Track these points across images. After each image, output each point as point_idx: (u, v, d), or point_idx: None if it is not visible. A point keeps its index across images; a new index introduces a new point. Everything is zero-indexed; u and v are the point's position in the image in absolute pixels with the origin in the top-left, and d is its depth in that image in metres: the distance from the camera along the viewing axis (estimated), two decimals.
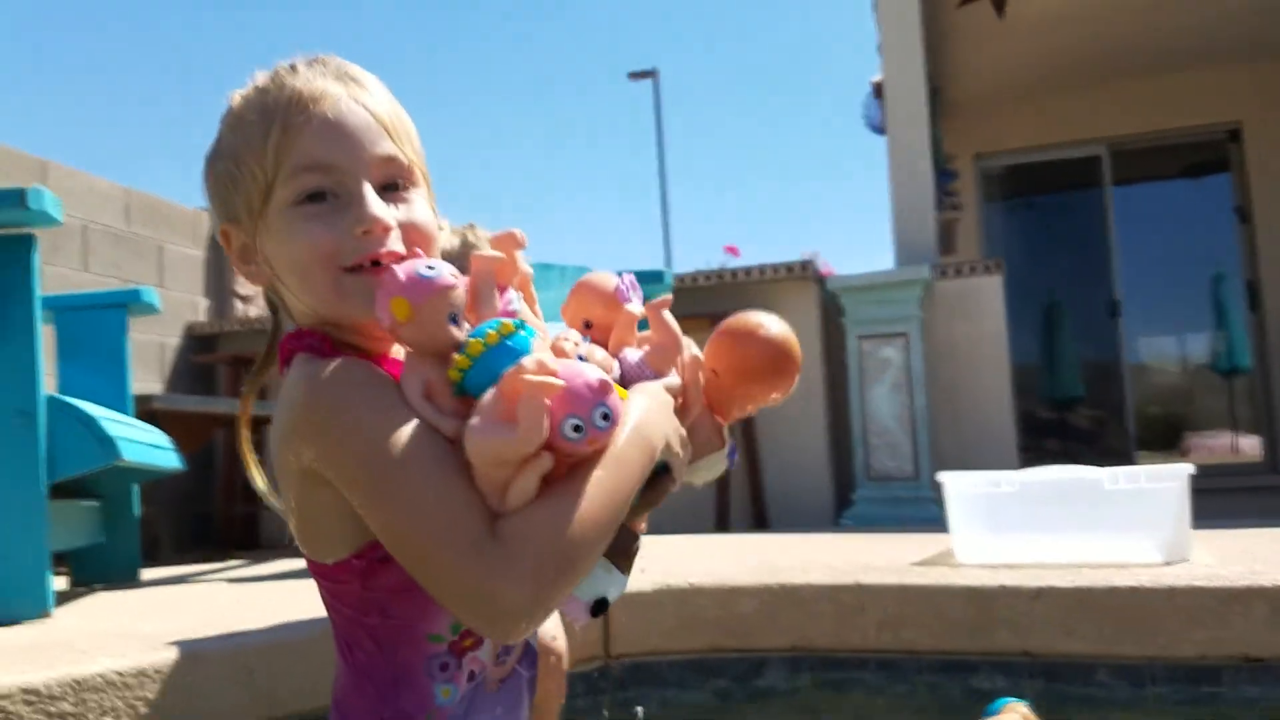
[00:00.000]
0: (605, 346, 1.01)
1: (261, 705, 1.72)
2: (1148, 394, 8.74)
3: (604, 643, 2.11)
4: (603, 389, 0.80)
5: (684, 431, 0.95)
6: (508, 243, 0.95)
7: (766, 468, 5.16)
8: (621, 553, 0.93)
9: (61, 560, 2.96)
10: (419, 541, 0.79)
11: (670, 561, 2.49)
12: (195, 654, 1.67)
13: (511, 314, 0.93)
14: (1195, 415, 8.98)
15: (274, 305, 1.01)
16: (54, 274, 4.69)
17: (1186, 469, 2.16)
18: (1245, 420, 8.20)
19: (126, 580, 2.96)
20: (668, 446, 0.91)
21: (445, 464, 0.80)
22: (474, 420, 0.79)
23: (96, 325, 3.07)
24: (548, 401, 0.78)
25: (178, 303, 5.69)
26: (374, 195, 0.90)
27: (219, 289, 6.06)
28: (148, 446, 2.60)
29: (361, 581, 0.89)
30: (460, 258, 1.61)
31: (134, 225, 5.43)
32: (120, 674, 1.56)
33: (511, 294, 0.96)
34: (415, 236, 0.92)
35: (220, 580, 3.11)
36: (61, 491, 2.67)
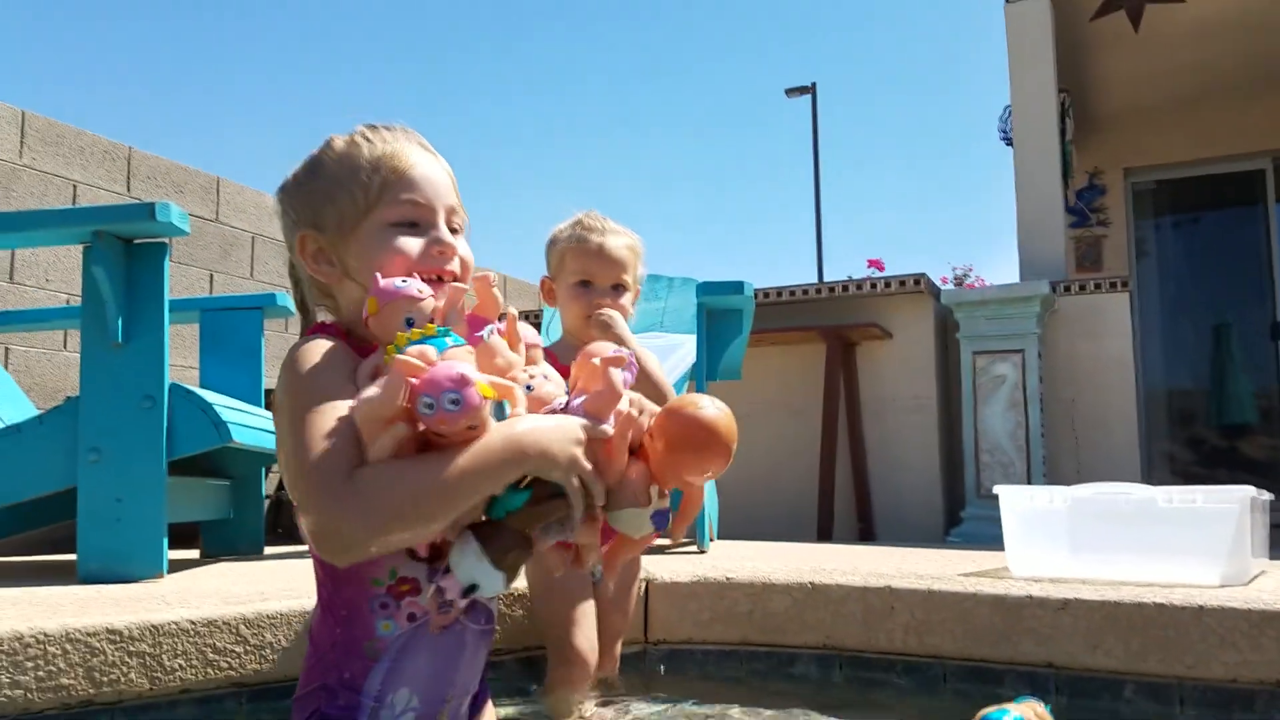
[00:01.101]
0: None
1: None
2: None
3: (644, 628, 2.23)
4: (461, 382, 0.98)
5: (584, 467, 1.08)
6: (481, 283, 1.23)
7: (875, 482, 5.14)
8: (499, 549, 1.07)
9: (195, 533, 3.31)
10: (293, 472, 1.01)
11: (737, 559, 2.58)
12: (261, 611, 1.88)
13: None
14: None
15: (304, 307, 1.33)
16: (223, 280, 5.17)
17: (1249, 491, 2.10)
18: None
19: (250, 553, 3.27)
20: (550, 462, 1.05)
21: (340, 424, 1.02)
22: (364, 390, 1.02)
23: (235, 324, 3.42)
24: (413, 380, 0.98)
25: None
26: (446, 229, 1.24)
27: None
28: (265, 432, 2.88)
29: None
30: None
31: None
32: (193, 623, 1.78)
33: (491, 326, 1.19)
34: (463, 264, 1.25)
35: None
36: (195, 470, 3.00)
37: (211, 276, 5.13)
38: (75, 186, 4.40)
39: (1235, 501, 2.07)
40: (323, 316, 1.32)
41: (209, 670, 1.80)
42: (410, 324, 1.10)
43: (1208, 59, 6.66)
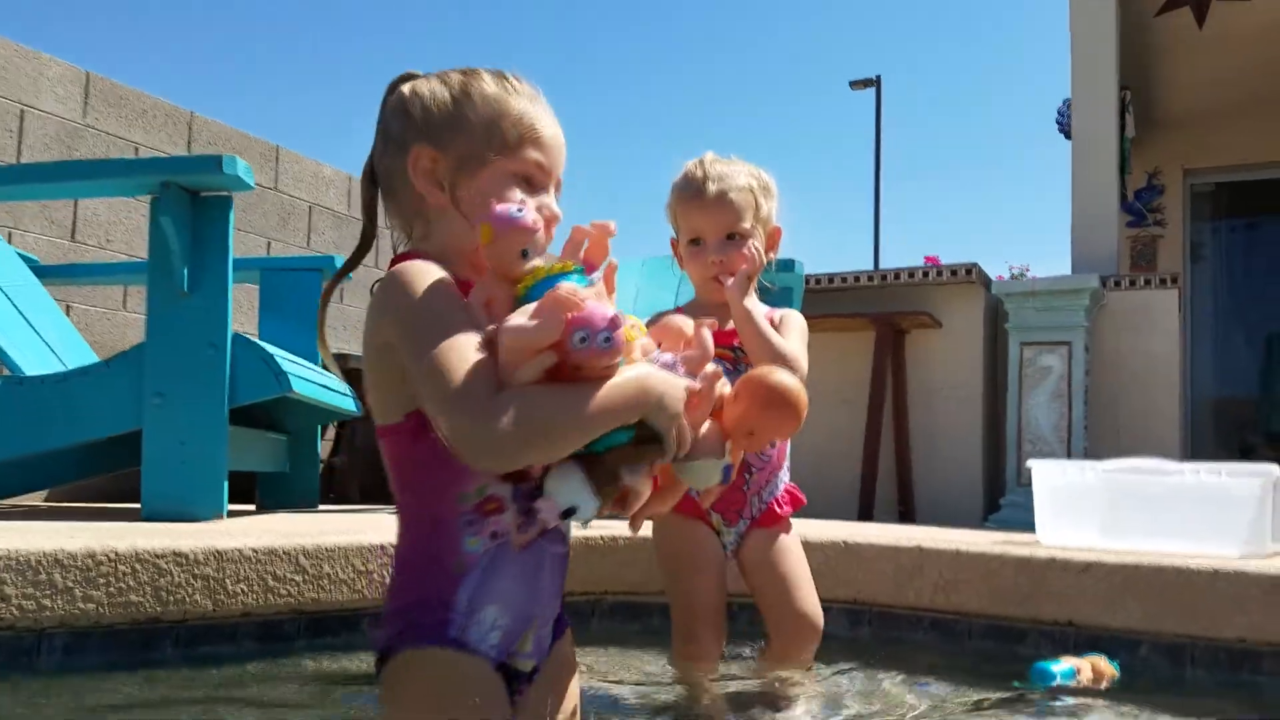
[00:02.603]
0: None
1: (376, 591, 2.03)
2: None
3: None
4: (613, 323, 1.05)
5: (683, 420, 1.15)
6: (600, 229, 1.23)
7: (918, 467, 5.17)
8: (600, 479, 1.15)
9: (251, 487, 3.45)
10: (441, 387, 1.06)
11: None
12: (320, 544, 1.98)
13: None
14: None
15: (371, 228, 1.34)
16: (280, 248, 5.32)
17: (1274, 469, 2.13)
18: None
19: (305, 506, 3.40)
20: (662, 410, 1.12)
21: (471, 344, 1.08)
22: (512, 317, 1.07)
23: (295, 285, 3.55)
24: (568, 315, 1.04)
25: None
26: (553, 195, 1.28)
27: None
28: (322, 387, 3.00)
29: (410, 441, 1.17)
30: None
31: (354, 209, 6.02)
32: (255, 550, 1.89)
33: (596, 275, 1.22)
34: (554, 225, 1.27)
35: (385, 514, 3.51)
36: (253, 423, 3.13)
37: (269, 244, 5.28)
38: (137, 149, 4.55)
39: (1259, 477, 2.10)
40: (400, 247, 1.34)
41: (269, 596, 1.90)
42: (525, 255, 1.12)
43: (1273, 61, 6.56)
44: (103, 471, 3.21)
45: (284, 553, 1.94)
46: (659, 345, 1.24)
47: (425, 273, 1.15)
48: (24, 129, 4.09)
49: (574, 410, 1.06)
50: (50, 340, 3.32)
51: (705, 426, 1.22)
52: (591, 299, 1.07)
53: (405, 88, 1.30)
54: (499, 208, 1.13)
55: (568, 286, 1.07)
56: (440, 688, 1.18)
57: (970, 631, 2.05)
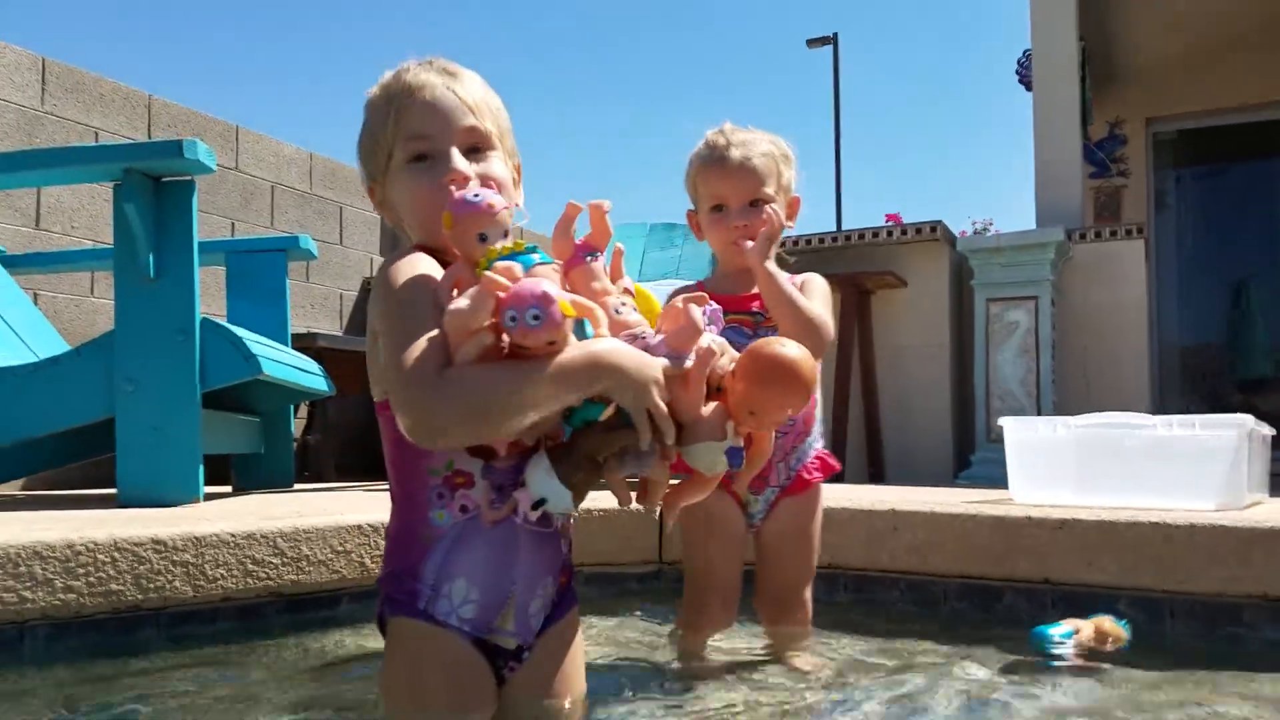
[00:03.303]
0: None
1: (354, 571, 2.03)
2: None
3: (659, 550, 2.33)
4: (544, 299, 1.05)
5: (656, 399, 1.13)
6: (595, 209, 1.25)
7: (887, 428, 5.21)
8: (568, 469, 1.16)
9: (227, 469, 3.43)
10: (393, 366, 1.09)
11: None
12: (298, 526, 1.98)
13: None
14: None
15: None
16: (244, 229, 5.25)
17: (1248, 421, 2.16)
18: None
19: (281, 487, 3.39)
20: (626, 388, 1.11)
21: (431, 327, 1.10)
22: (453, 301, 1.09)
23: (261, 266, 3.51)
24: (500, 294, 1.06)
25: (357, 259, 6.19)
26: (458, 155, 1.24)
27: (393, 246, 6.56)
28: (293, 368, 2.98)
29: (393, 420, 1.17)
30: None
31: (316, 187, 5.94)
32: (233, 535, 1.89)
33: (596, 252, 1.24)
34: (492, 184, 1.24)
35: (359, 492, 3.50)
36: (225, 406, 3.10)
37: (233, 225, 5.20)
38: (96, 134, 4.47)
39: (1234, 428, 2.13)
40: None
41: (248, 580, 1.91)
42: (484, 238, 1.14)
43: (1232, 8, 6.59)
44: (78, 459, 3.18)
45: (262, 536, 1.93)
46: (659, 330, 1.22)
47: (408, 265, 1.18)
48: None
49: (510, 386, 1.07)
50: (19, 330, 3.26)
51: (710, 408, 1.19)
52: (529, 279, 1.08)
53: None
54: (456, 194, 1.15)
55: (502, 266, 1.09)
56: (412, 657, 1.22)
57: (946, 593, 2.08)
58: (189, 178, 2.54)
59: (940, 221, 5.20)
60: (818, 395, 1.79)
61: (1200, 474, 2.13)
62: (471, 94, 1.27)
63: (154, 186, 2.51)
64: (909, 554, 2.11)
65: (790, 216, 1.80)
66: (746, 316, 1.75)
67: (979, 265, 4.99)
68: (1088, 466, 2.30)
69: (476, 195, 1.15)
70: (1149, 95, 7.72)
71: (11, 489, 3.57)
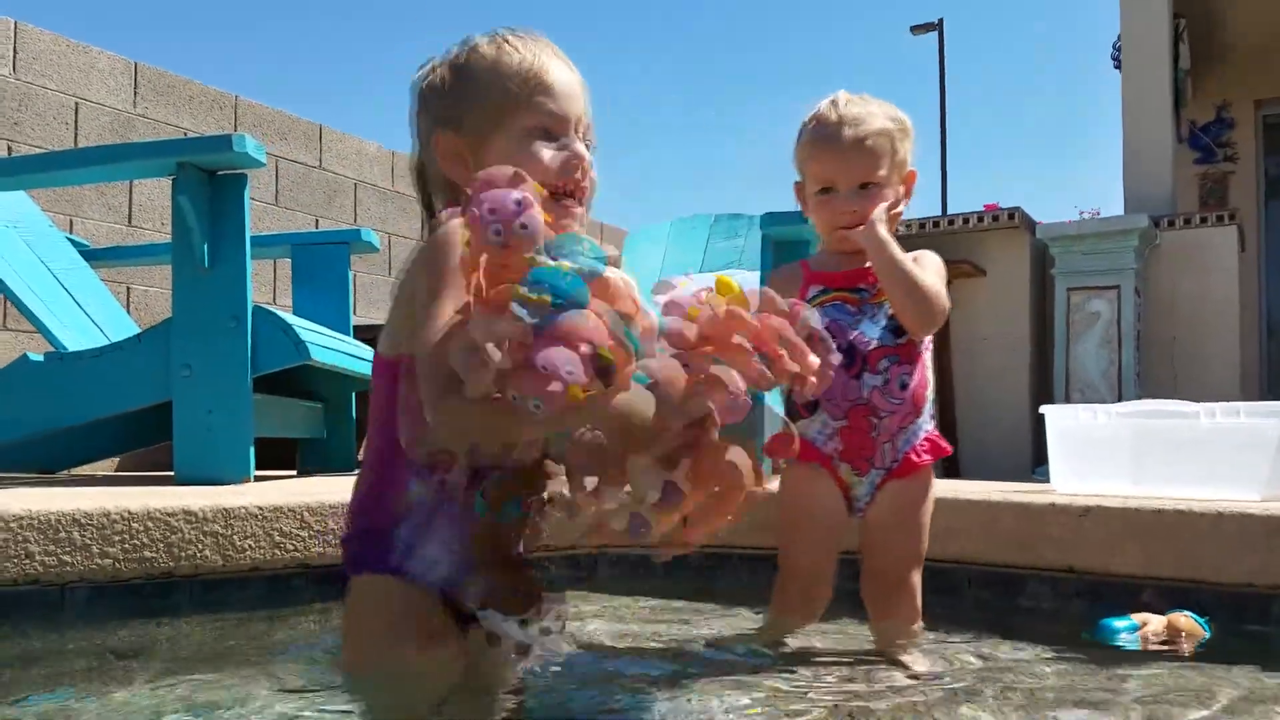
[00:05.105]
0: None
1: None
2: None
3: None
4: (524, 204, 0.96)
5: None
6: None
7: (963, 421, 5.08)
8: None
9: (293, 450, 3.57)
10: (419, 345, 1.08)
11: None
12: (324, 501, 2.05)
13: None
14: None
15: (429, 206, 1.36)
16: (328, 224, 5.44)
17: None
18: None
19: (342, 470, 3.51)
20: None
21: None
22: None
23: (324, 259, 3.63)
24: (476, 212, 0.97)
25: None
26: (580, 143, 1.28)
27: None
28: (345, 355, 3.08)
29: (392, 381, 1.20)
30: None
31: (398, 184, 6.12)
32: (261, 508, 1.97)
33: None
34: (592, 181, 1.29)
35: None
36: (291, 392, 3.23)
37: (316, 221, 5.40)
38: (186, 133, 4.70)
39: (1277, 415, 2.03)
40: None
41: (276, 551, 1.98)
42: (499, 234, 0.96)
43: None
44: (145, 445, 3.35)
45: (289, 510, 2.01)
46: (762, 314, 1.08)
47: (453, 233, 1.13)
48: (79, 120, 4.25)
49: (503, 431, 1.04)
50: (98, 319, 3.46)
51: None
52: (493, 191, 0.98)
53: (416, 79, 1.34)
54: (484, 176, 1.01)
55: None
56: (383, 610, 1.24)
57: (969, 580, 2.03)
58: (241, 171, 2.65)
59: (1019, 208, 5.05)
60: (929, 374, 1.70)
61: (1246, 464, 2.03)
62: (586, 89, 1.32)
63: (208, 179, 2.63)
64: (931, 540, 2.06)
65: (907, 193, 1.71)
66: (851, 294, 1.67)
67: (1060, 253, 4.83)
68: (1130, 456, 2.21)
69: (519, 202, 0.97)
70: (1258, 76, 7.33)
71: (91, 469, 3.78)
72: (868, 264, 1.65)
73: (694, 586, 2.15)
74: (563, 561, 2.28)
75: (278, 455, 3.51)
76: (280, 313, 2.76)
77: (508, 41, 1.29)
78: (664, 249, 4.60)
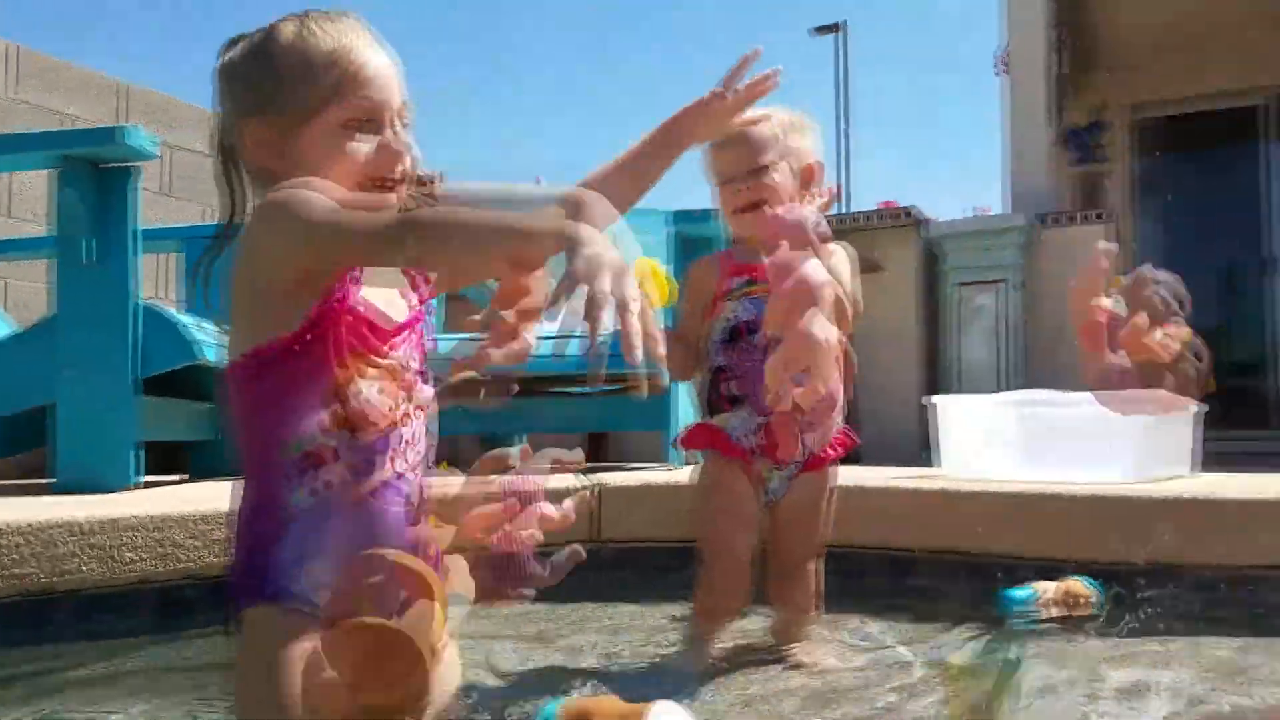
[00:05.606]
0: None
1: None
2: None
3: (594, 528, 2.34)
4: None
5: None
6: None
7: (861, 412, 5.22)
8: None
9: (182, 455, 3.45)
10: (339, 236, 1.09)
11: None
12: (217, 509, 2.00)
13: None
14: None
15: (230, 184, 1.29)
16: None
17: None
18: None
19: (236, 474, 3.41)
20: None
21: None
22: None
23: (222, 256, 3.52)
24: None
25: None
26: (397, 131, 1.23)
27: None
28: None
29: (245, 383, 1.15)
30: None
31: None
32: (151, 517, 1.91)
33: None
34: (413, 161, 1.24)
35: None
36: (180, 393, 3.13)
37: (205, 211, 5.23)
38: (72, 121, 4.50)
39: None
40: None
41: (165, 563, 1.92)
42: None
43: None
44: (21, 450, 3.20)
45: (178, 519, 1.95)
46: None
47: (300, 186, 1.13)
48: None
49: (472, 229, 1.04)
50: None
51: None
52: None
53: (221, 60, 1.27)
54: None
55: None
56: (271, 646, 1.12)
57: (862, 563, 2.10)
58: (129, 164, 2.55)
59: (913, 206, 5.20)
60: (841, 372, 1.73)
61: (1112, 450, 2.15)
62: (400, 68, 1.27)
63: (95, 172, 2.53)
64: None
65: (806, 182, 1.77)
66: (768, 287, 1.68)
67: (949, 250, 5.00)
68: (1009, 442, 2.32)
69: None
70: (1132, 82, 7.68)
71: None
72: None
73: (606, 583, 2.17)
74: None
75: (165, 459, 3.39)
76: (170, 311, 2.67)
77: (317, 26, 1.23)
78: None
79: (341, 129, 1.21)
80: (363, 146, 1.21)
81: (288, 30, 1.23)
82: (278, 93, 1.21)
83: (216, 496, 2.14)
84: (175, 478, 3.33)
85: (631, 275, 0.98)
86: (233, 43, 1.28)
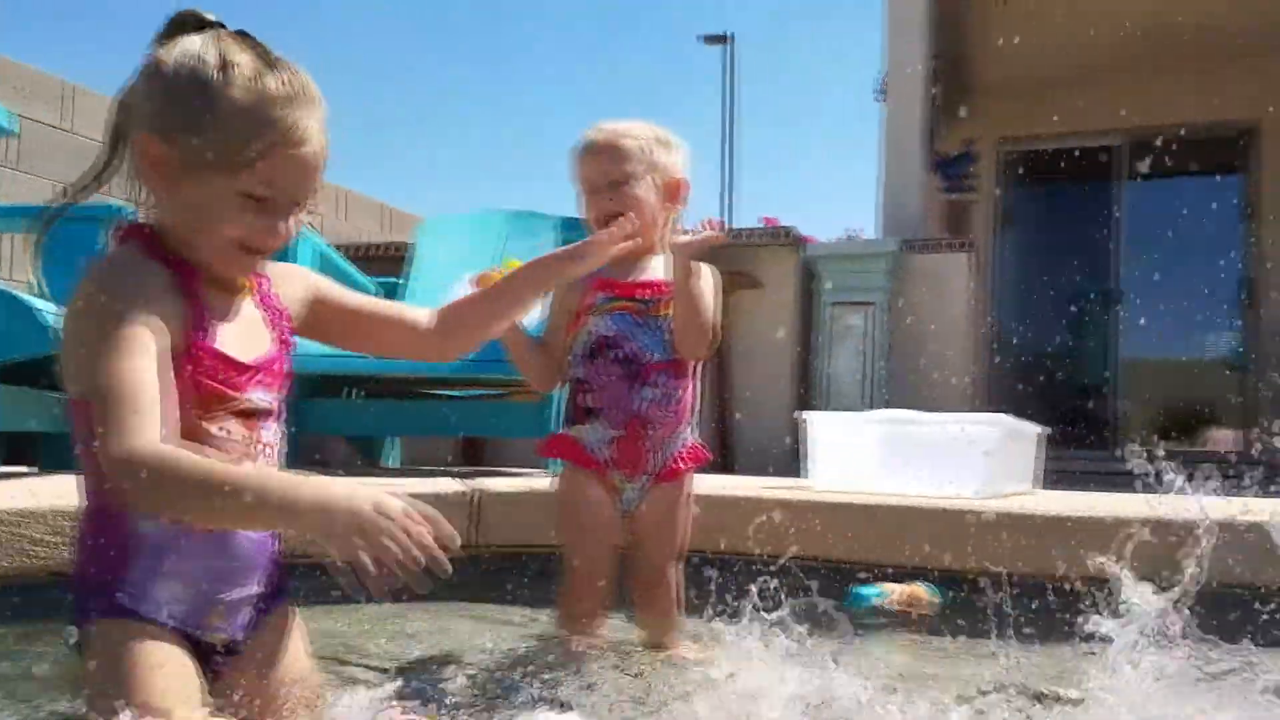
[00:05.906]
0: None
1: None
2: (1142, 385, 8.64)
3: (474, 533, 2.36)
4: None
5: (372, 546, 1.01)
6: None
7: (739, 423, 5.37)
8: None
9: (33, 447, 3.29)
10: (101, 406, 1.06)
11: None
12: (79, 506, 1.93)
13: None
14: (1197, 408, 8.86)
15: (115, 149, 1.25)
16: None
17: (1007, 420, 2.35)
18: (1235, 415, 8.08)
19: None
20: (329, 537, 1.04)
21: (147, 371, 1.09)
22: None
23: (77, 236, 3.37)
24: None
25: None
26: (294, 217, 1.20)
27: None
28: None
29: (89, 422, 1.08)
30: None
31: None
32: (8, 513, 1.83)
33: None
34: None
35: None
36: (31, 381, 2.98)
37: (64, 190, 4.99)
38: None
39: (995, 427, 2.31)
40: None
41: (25, 560, 1.84)
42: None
43: (1077, 40, 7.00)
44: None
45: (38, 515, 1.87)
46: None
47: (123, 269, 1.17)
48: None
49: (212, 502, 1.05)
50: None
51: None
52: None
53: (163, 53, 1.18)
54: None
55: None
56: (118, 660, 1.12)
57: (736, 571, 2.18)
58: None
59: (792, 227, 5.38)
60: (697, 386, 1.87)
61: (963, 465, 2.30)
62: (327, 149, 1.22)
63: None
64: (703, 537, 2.19)
65: (671, 198, 1.84)
66: (633, 303, 1.80)
67: (823, 271, 5.19)
68: (872, 456, 2.45)
69: None
70: (1001, 117, 8.12)
71: None
72: (646, 276, 1.79)
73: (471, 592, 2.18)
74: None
75: (17, 451, 3.23)
76: (23, 295, 2.56)
77: (275, 80, 1.15)
78: (462, 240, 4.56)
79: (242, 196, 1.16)
80: (251, 219, 1.17)
81: (245, 69, 1.15)
82: (203, 130, 1.14)
83: (72, 491, 2.05)
84: (24, 469, 3.17)
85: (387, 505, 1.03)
86: (176, 49, 1.17)
